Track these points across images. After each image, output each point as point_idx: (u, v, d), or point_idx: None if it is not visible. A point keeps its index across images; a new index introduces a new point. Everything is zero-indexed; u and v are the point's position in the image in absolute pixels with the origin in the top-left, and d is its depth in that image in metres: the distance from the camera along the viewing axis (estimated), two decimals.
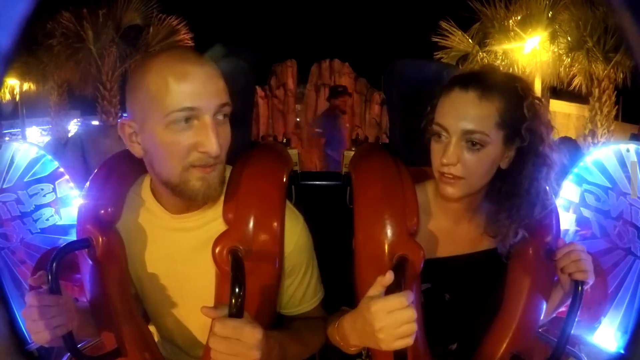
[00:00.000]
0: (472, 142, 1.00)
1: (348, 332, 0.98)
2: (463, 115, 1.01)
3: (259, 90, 9.97)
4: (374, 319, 0.85)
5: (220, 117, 0.94)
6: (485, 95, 1.00)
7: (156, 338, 1.20)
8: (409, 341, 0.84)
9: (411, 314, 0.84)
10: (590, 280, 1.04)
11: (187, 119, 0.91)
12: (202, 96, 0.90)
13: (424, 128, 1.10)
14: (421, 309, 1.07)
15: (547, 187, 1.09)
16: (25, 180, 2.79)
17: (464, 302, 1.14)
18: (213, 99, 0.92)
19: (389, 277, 0.87)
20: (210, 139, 0.90)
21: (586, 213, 2.58)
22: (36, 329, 0.91)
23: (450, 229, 1.15)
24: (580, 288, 1.02)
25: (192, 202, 1.00)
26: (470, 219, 1.14)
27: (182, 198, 0.99)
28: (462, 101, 1.01)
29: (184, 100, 0.89)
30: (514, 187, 1.06)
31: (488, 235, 1.13)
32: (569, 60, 9.82)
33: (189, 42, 10.80)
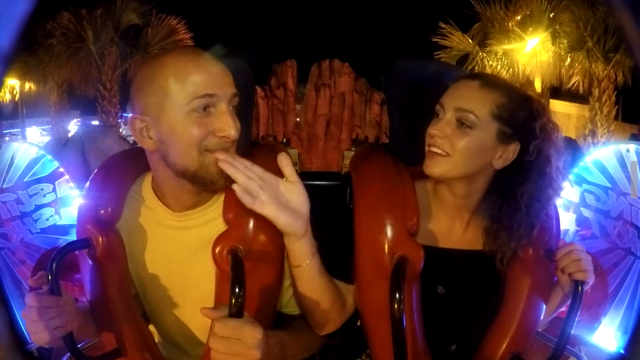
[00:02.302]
0: (462, 121, 1.03)
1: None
2: (460, 95, 1.06)
3: (259, 90, 9.95)
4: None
5: (231, 107, 0.99)
6: (487, 85, 1.05)
7: (156, 339, 1.20)
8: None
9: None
10: (591, 280, 1.04)
11: (206, 107, 0.95)
12: (219, 85, 0.96)
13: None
14: (420, 309, 1.08)
15: (549, 211, 1.11)
16: (25, 180, 2.79)
17: (461, 299, 1.14)
18: (228, 88, 0.98)
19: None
20: (229, 123, 0.96)
21: (586, 213, 2.58)
22: (36, 330, 0.91)
23: (447, 227, 1.15)
24: (580, 288, 1.02)
25: (213, 187, 1.01)
26: (467, 221, 1.14)
27: (202, 185, 1.00)
28: (464, 85, 1.07)
29: (204, 88, 0.94)
30: (516, 204, 1.07)
31: (485, 251, 1.13)
32: (569, 60, 9.83)
33: (189, 41, 10.79)
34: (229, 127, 0.95)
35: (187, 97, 0.93)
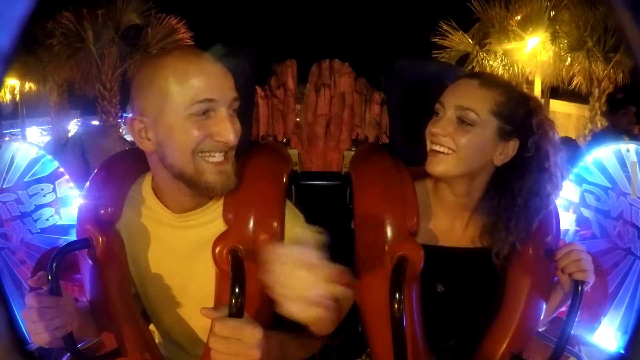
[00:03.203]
0: (462, 119, 1.04)
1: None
2: (460, 93, 1.07)
3: (259, 90, 9.92)
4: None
5: (231, 111, 0.98)
6: (486, 84, 1.06)
7: (156, 339, 1.20)
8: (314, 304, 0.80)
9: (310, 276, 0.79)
10: (591, 280, 1.04)
11: (205, 111, 0.94)
12: (219, 89, 0.95)
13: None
14: (420, 309, 1.07)
15: (550, 207, 1.11)
16: (25, 180, 2.79)
17: (459, 297, 1.14)
18: (228, 92, 0.97)
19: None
20: (227, 128, 0.95)
21: (586, 213, 2.58)
22: (36, 330, 0.91)
23: (448, 225, 1.15)
24: (580, 288, 1.02)
25: (210, 193, 1.02)
26: (468, 219, 1.15)
27: (198, 190, 1.00)
28: (464, 84, 1.08)
29: (204, 92, 0.94)
30: (513, 199, 1.07)
31: (484, 246, 1.14)
32: (569, 60, 9.83)
33: (189, 41, 10.80)
34: (228, 132, 0.95)
35: (186, 101, 0.93)
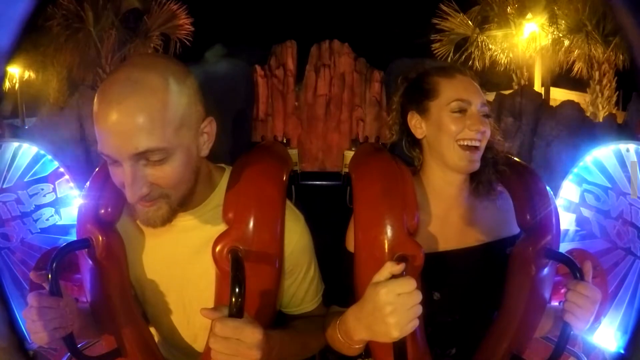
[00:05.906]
0: (485, 114, 1.11)
1: (352, 325, 0.96)
2: (475, 90, 1.12)
3: (258, 69, 9.80)
4: (384, 301, 0.85)
5: (143, 162, 0.89)
6: (474, 79, 1.16)
7: (156, 339, 1.20)
8: (416, 323, 0.86)
9: (418, 296, 0.86)
10: (579, 330, 1.02)
11: (112, 162, 0.91)
12: (113, 147, 0.87)
13: (420, 109, 1.14)
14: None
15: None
16: (25, 180, 2.79)
17: (456, 302, 1.14)
18: (123, 150, 0.87)
19: (399, 268, 0.88)
20: (126, 188, 0.89)
21: (586, 213, 2.58)
22: (35, 330, 0.91)
23: (440, 219, 1.15)
24: (568, 329, 1.01)
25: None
26: (459, 205, 1.16)
27: None
28: (471, 81, 1.13)
29: (102, 148, 0.88)
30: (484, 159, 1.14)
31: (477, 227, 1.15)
32: (567, 42, 9.85)
33: (189, 26, 10.75)
34: (126, 192, 0.89)
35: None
